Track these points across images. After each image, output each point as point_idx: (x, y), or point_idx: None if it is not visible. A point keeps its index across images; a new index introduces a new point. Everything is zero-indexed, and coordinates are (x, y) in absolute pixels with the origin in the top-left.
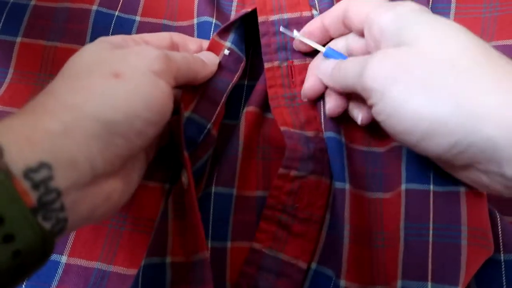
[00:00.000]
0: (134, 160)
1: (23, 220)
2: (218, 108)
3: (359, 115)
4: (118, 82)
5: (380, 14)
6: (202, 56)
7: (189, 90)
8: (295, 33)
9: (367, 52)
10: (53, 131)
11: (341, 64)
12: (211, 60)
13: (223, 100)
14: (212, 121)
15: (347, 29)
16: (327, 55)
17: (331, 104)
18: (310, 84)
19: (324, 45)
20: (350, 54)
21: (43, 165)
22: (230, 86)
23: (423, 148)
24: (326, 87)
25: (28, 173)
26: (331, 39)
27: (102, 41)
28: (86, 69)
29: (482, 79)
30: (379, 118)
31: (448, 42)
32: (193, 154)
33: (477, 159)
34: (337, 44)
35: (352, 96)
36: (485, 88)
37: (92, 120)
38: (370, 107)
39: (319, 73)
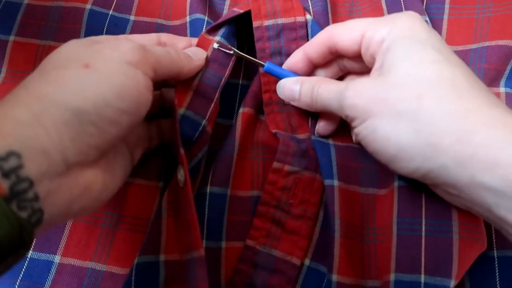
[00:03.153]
0: (116, 154)
1: None
2: (212, 104)
3: (353, 135)
4: (88, 71)
5: (377, 30)
6: (188, 51)
7: (181, 87)
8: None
9: (365, 70)
10: (22, 121)
11: (313, 88)
12: (197, 55)
13: (217, 96)
14: (207, 117)
15: (333, 55)
16: (267, 71)
17: (323, 122)
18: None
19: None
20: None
21: (12, 154)
22: (223, 81)
23: (392, 168)
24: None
25: None
26: (314, 69)
27: (82, 39)
28: (60, 63)
29: (441, 117)
30: (358, 137)
31: (418, 73)
32: (189, 152)
33: (437, 182)
34: (324, 74)
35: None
36: (442, 126)
37: (62, 108)
38: (352, 127)
39: (283, 96)
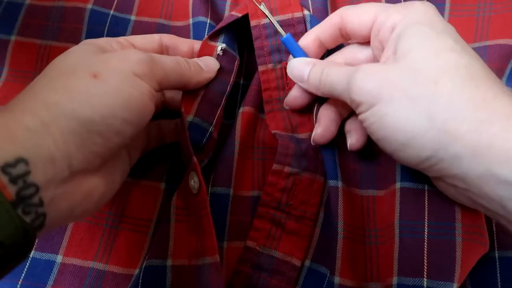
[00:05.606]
0: (116, 160)
1: (4, 213)
2: (219, 110)
3: (348, 140)
4: (96, 82)
5: (390, 16)
6: (201, 61)
7: (188, 93)
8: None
9: (370, 59)
10: (31, 128)
11: (323, 70)
12: (209, 66)
13: (223, 102)
14: (214, 123)
15: (343, 38)
16: (284, 41)
17: (320, 130)
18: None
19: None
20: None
21: (20, 160)
22: (228, 87)
23: (398, 157)
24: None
25: (5, 168)
26: (326, 52)
27: (86, 43)
28: (68, 70)
29: (458, 104)
30: (364, 124)
31: (435, 60)
32: (196, 158)
33: (446, 174)
34: (336, 60)
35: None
36: (459, 114)
37: (70, 118)
38: (357, 113)
39: (292, 75)
